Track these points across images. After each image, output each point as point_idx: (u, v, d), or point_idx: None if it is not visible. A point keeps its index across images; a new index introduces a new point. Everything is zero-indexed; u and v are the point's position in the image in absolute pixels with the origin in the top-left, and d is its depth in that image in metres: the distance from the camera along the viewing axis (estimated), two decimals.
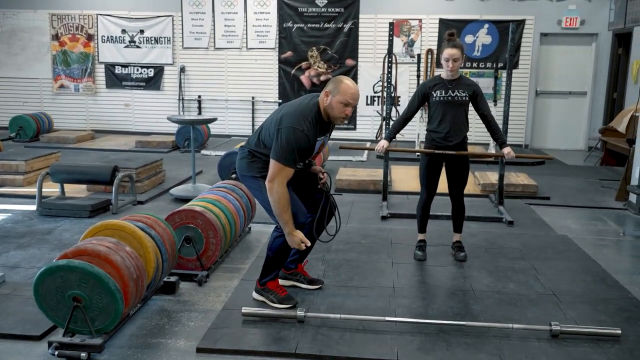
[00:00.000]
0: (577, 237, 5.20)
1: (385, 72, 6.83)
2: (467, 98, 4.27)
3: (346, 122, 10.66)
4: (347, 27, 10.64)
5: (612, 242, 5.14)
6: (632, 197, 6.21)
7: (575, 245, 4.92)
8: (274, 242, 3.50)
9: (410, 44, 10.54)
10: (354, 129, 10.97)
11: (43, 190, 5.72)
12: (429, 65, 9.36)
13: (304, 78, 10.85)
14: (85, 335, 3.01)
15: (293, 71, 10.86)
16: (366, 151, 9.18)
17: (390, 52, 6.49)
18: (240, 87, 11.05)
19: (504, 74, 8.80)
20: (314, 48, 10.75)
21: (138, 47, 11.13)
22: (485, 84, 9.98)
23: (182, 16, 10.94)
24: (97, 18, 11.11)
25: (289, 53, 10.85)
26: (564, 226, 5.61)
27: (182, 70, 11.10)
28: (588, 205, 6.44)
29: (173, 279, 3.82)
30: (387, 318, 3.37)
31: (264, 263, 3.59)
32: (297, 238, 3.34)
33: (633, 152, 6.40)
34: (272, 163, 3.27)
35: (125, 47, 11.15)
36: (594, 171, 8.53)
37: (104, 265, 2.99)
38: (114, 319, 2.99)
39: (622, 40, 9.99)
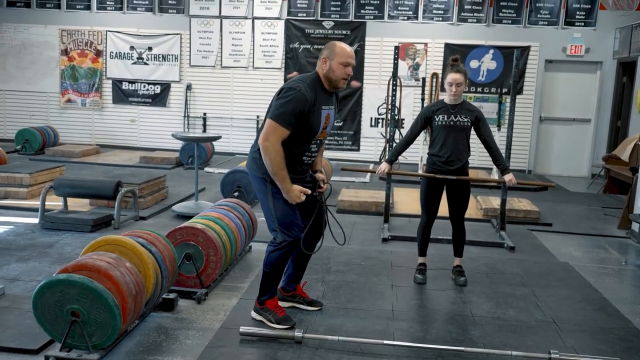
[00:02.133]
0: (579, 265, 5.18)
1: (390, 94, 6.88)
2: (469, 123, 4.30)
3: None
4: (353, 49, 10.70)
5: (613, 271, 5.12)
6: (635, 226, 6.19)
7: (577, 273, 4.90)
8: (269, 258, 3.50)
9: (416, 67, 10.62)
10: (358, 150, 11.01)
11: (46, 203, 5.74)
12: (433, 88, 9.42)
13: None
14: (82, 351, 3.01)
15: None
16: (369, 173, 9.19)
17: (395, 75, 6.54)
18: (246, 106, 11.12)
19: (508, 100, 8.85)
20: None
21: (146, 63, 11.25)
22: (489, 109, 10.03)
23: (190, 35, 11.06)
24: (106, 34, 11.24)
25: (294, 73, 10.92)
26: (566, 253, 5.59)
27: (189, 87, 11.19)
28: (590, 232, 6.42)
29: (172, 296, 3.82)
30: (385, 341, 3.35)
31: (261, 280, 3.59)
32: (297, 191, 3.35)
33: (636, 180, 6.40)
34: (267, 122, 3.29)
35: (133, 63, 11.27)
36: (596, 198, 8.51)
37: (104, 281, 2.99)
38: (112, 334, 2.99)
39: (626, 69, 10.04)
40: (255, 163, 3.47)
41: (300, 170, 3.47)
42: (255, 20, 10.90)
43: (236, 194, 6.43)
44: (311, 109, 3.32)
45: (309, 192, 3.42)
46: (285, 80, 10.90)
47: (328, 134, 3.60)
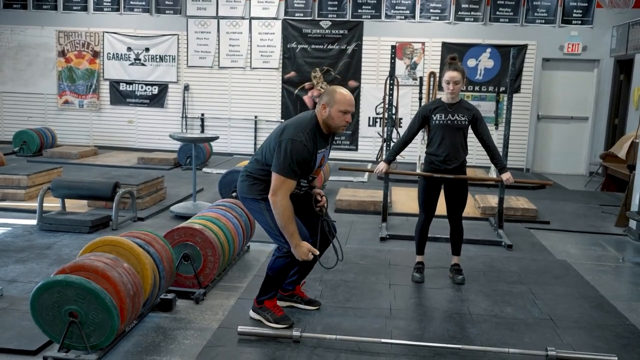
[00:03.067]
0: (576, 263, 5.19)
1: (387, 94, 6.88)
2: (466, 122, 4.31)
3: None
4: (350, 49, 10.74)
5: (611, 268, 5.13)
6: (632, 224, 6.21)
7: (574, 271, 4.91)
8: (274, 263, 3.52)
9: (413, 66, 10.63)
10: (356, 150, 11.02)
11: (44, 205, 5.74)
12: (431, 88, 9.42)
13: (306, 98, 10.93)
14: (81, 351, 3.01)
15: (296, 91, 10.94)
16: (367, 172, 9.19)
17: (392, 74, 6.54)
18: (243, 106, 11.12)
19: (505, 98, 8.87)
20: (317, 69, 10.85)
21: (143, 64, 11.24)
22: (487, 108, 10.04)
23: (187, 35, 11.06)
24: (103, 36, 11.24)
25: (292, 73, 10.94)
26: (563, 251, 5.60)
27: (186, 88, 11.19)
28: (588, 230, 6.43)
29: (170, 296, 3.82)
30: (383, 340, 3.36)
31: (263, 282, 3.60)
32: (305, 249, 3.36)
33: (633, 178, 6.41)
34: (274, 176, 3.31)
35: (131, 64, 11.27)
36: (594, 196, 8.53)
37: (101, 281, 3.00)
38: (110, 335, 2.99)
39: (623, 67, 10.06)
40: (244, 186, 3.52)
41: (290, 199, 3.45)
42: (253, 21, 10.90)
43: (234, 194, 6.42)
44: (310, 155, 3.37)
45: (317, 252, 3.43)
46: (283, 80, 10.92)
47: (321, 170, 3.64)
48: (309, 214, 3.63)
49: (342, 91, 3.43)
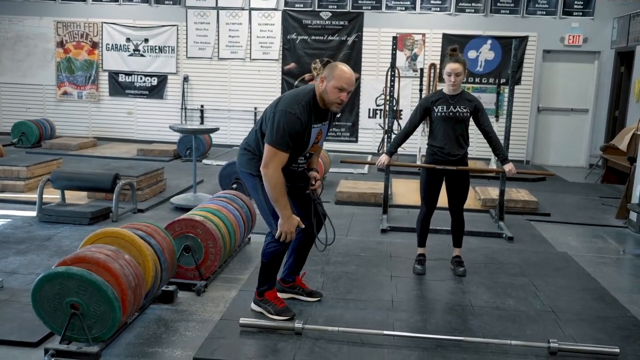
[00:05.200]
0: (577, 255, 5.19)
1: (388, 85, 6.86)
2: (468, 114, 4.29)
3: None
4: (350, 40, 10.69)
5: (612, 260, 5.13)
6: (633, 216, 6.20)
7: (575, 263, 4.91)
8: (267, 247, 3.50)
9: (414, 58, 10.59)
10: (356, 141, 11.00)
11: (44, 196, 5.72)
12: (431, 79, 9.40)
13: None
14: (82, 343, 3.01)
15: (296, 82, 10.90)
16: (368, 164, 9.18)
17: (393, 65, 6.52)
18: (243, 98, 11.08)
19: (506, 90, 8.83)
20: (317, 60, 10.80)
21: (142, 55, 11.19)
22: (487, 100, 10.01)
23: (186, 26, 11.01)
24: (102, 26, 11.18)
25: (292, 65, 10.90)
26: (564, 243, 5.60)
27: (186, 79, 11.15)
28: (588, 222, 6.43)
29: (171, 288, 3.81)
30: (385, 332, 3.36)
31: (260, 270, 3.60)
32: (294, 220, 3.34)
33: (634, 170, 6.41)
34: (266, 148, 3.27)
35: (130, 55, 11.21)
36: (594, 188, 8.52)
37: (103, 273, 2.99)
38: (111, 327, 2.98)
39: (624, 59, 10.03)
40: (244, 159, 3.49)
41: (287, 176, 3.44)
42: (252, 11, 10.84)
43: (234, 185, 6.42)
44: (304, 130, 3.32)
45: (303, 225, 3.41)
46: (283, 71, 10.88)
47: (320, 147, 3.60)
48: (303, 197, 3.60)
49: (343, 67, 3.36)
